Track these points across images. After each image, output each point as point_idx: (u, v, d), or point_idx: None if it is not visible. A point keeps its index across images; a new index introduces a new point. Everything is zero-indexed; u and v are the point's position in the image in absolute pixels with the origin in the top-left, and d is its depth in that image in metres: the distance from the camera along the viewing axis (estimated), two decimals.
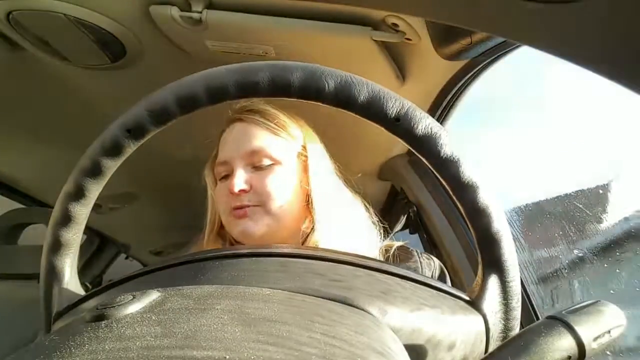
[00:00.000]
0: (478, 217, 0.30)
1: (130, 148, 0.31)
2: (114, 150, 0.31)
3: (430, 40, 0.73)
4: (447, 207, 1.01)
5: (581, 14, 0.26)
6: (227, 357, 0.17)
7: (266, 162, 0.61)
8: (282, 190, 0.61)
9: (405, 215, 1.18)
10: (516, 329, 0.32)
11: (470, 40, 0.68)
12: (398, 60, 0.82)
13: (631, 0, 0.23)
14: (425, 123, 0.30)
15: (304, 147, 0.66)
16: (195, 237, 0.72)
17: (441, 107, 0.94)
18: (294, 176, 0.63)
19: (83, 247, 1.73)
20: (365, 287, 0.29)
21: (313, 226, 0.61)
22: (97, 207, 0.34)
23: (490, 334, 0.31)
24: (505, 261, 0.31)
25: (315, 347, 0.19)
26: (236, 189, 0.59)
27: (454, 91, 0.89)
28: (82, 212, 0.33)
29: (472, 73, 0.83)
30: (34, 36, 0.76)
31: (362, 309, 0.26)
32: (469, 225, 0.32)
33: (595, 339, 0.26)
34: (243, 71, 0.30)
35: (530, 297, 0.84)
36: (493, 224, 0.30)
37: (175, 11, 0.70)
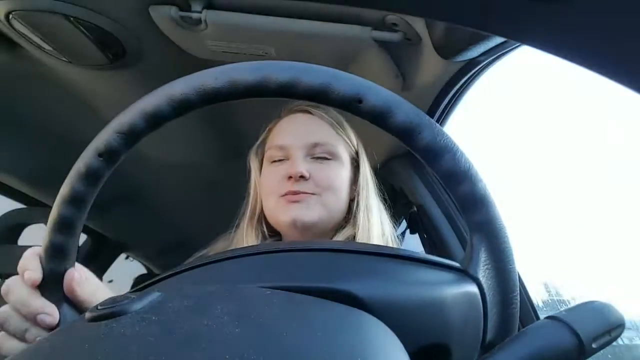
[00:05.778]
0: (457, 181, 0.30)
1: (123, 153, 0.31)
2: (108, 155, 0.30)
3: (430, 40, 0.73)
4: (447, 207, 1.01)
5: (581, 13, 0.26)
6: (227, 357, 0.17)
7: (326, 155, 0.64)
8: (338, 184, 0.63)
9: (406, 216, 1.18)
10: (515, 294, 0.31)
11: (470, 41, 0.68)
12: (398, 60, 0.82)
13: None
14: (383, 97, 0.30)
15: (357, 153, 0.69)
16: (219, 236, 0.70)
17: (441, 107, 0.93)
18: (347, 175, 0.66)
19: (83, 247, 1.73)
20: (348, 270, 0.29)
21: (344, 225, 0.64)
22: (96, 207, 0.34)
23: (487, 300, 0.30)
24: (489, 221, 0.30)
25: (315, 348, 0.19)
26: (298, 173, 0.60)
27: (454, 91, 0.89)
28: (78, 217, 0.32)
29: (472, 73, 0.82)
30: (34, 36, 0.76)
31: (349, 293, 0.26)
32: (450, 193, 0.31)
33: (595, 339, 0.25)
34: (233, 71, 0.30)
35: (530, 297, 0.84)
36: (473, 186, 0.30)
37: (175, 11, 0.70)
